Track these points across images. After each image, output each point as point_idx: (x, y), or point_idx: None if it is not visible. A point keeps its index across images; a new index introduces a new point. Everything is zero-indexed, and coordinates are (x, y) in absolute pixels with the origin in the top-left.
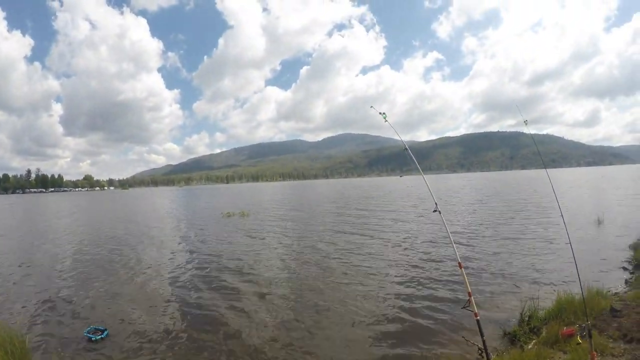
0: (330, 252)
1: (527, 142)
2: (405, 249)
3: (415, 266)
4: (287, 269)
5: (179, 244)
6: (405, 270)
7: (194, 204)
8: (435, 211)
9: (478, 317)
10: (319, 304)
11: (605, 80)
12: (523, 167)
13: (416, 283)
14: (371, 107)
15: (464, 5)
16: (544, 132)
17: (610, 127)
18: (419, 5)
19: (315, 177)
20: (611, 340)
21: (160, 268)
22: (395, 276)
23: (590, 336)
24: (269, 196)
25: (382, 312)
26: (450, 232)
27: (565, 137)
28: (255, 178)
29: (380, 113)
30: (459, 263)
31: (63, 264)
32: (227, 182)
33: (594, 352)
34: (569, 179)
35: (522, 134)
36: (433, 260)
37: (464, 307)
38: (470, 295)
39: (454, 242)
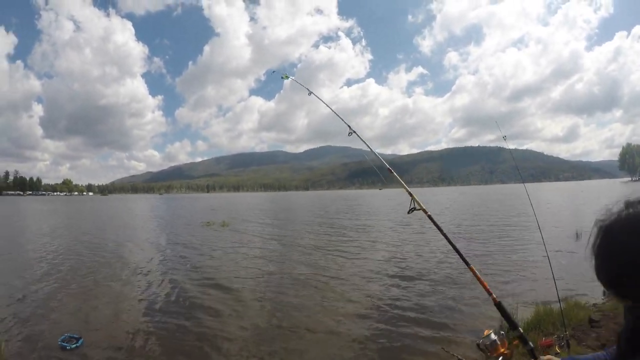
0: (310, 264)
1: (507, 157)
2: (388, 261)
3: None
4: (264, 278)
5: (158, 252)
6: (389, 281)
7: (173, 212)
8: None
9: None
10: (299, 315)
11: (584, 97)
12: (502, 182)
13: (402, 296)
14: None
15: (446, 20)
16: (524, 147)
17: (589, 142)
18: (403, 19)
19: (296, 188)
20: (590, 349)
21: (137, 277)
22: (378, 289)
23: (568, 346)
24: (250, 207)
25: (365, 324)
26: (429, 247)
27: (545, 153)
28: (236, 188)
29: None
30: (471, 267)
31: (38, 270)
32: (208, 191)
33: None
34: (547, 194)
35: (502, 148)
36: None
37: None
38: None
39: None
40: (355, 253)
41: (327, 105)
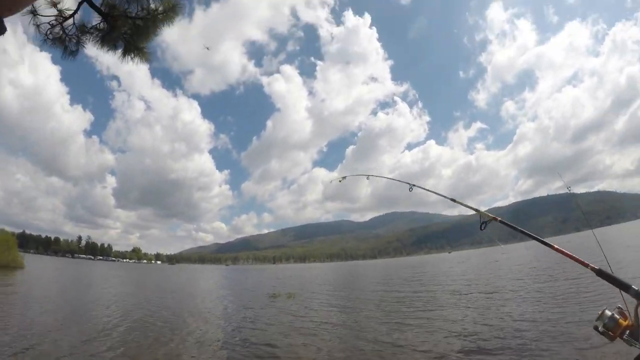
0: (383, 331)
1: (579, 203)
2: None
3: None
4: (336, 345)
5: (223, 322)
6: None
7: (240, 282)
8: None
9: None
10: None
11: None
12: (577, 230)
13: None
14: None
15: (497, 70)
16: (595, 189)
17: None
18: (455, 76)
19: (364, 257)
20: None
21: (200, 346)
22: (461, 349)
23: None
24: (317, 277)
25: None
26: (504, 308)
27: (617, 191)
28: (303, 259)
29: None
30: (555, 247)
31: (101, 332)
32: (274, 262)
33: None
34: (625, 236)
35: (573, 194)
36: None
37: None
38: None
39: None
40: (417, 326)
41: (386, 177)
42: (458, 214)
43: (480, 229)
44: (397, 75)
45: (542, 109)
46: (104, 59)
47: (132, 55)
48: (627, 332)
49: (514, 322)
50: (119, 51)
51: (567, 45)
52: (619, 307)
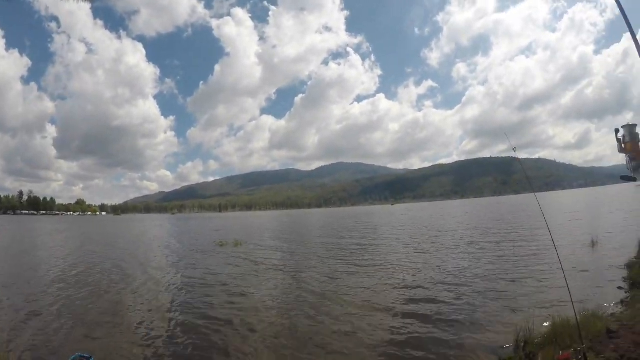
0: (324, 280)
1: (520, 167)
2: (400, 271)
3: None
4: (280, 297)
5: (170, 271)
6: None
7: (186, 231)
8: None
9: None
10: (318, 332)
11: (594, 101)
12: (516, 192)
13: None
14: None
15: (453, 32)
16: (536, 156)
17: (601, 147)
18: (410, 33)
19: (309, 206)
20: None
21: (148, 296)
22: (397, 301)
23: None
24: (263, 225)
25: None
26: (441, 262)
27: (557, 160)
28: (249, 207)
29: None
30: None
31: (49, 288)
32: (220, 211)
33: None
34: (561, 202)
35: (515, 159)
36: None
37: None
38: None
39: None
40: (354, 279)
41: None
42: (403, 167)
43: None
44: (352, 26)
45: (493, 75)
46: None
47: None
48: (629, 154)
49: (449, 277)
50: None
51: (525, 17)
52: None
